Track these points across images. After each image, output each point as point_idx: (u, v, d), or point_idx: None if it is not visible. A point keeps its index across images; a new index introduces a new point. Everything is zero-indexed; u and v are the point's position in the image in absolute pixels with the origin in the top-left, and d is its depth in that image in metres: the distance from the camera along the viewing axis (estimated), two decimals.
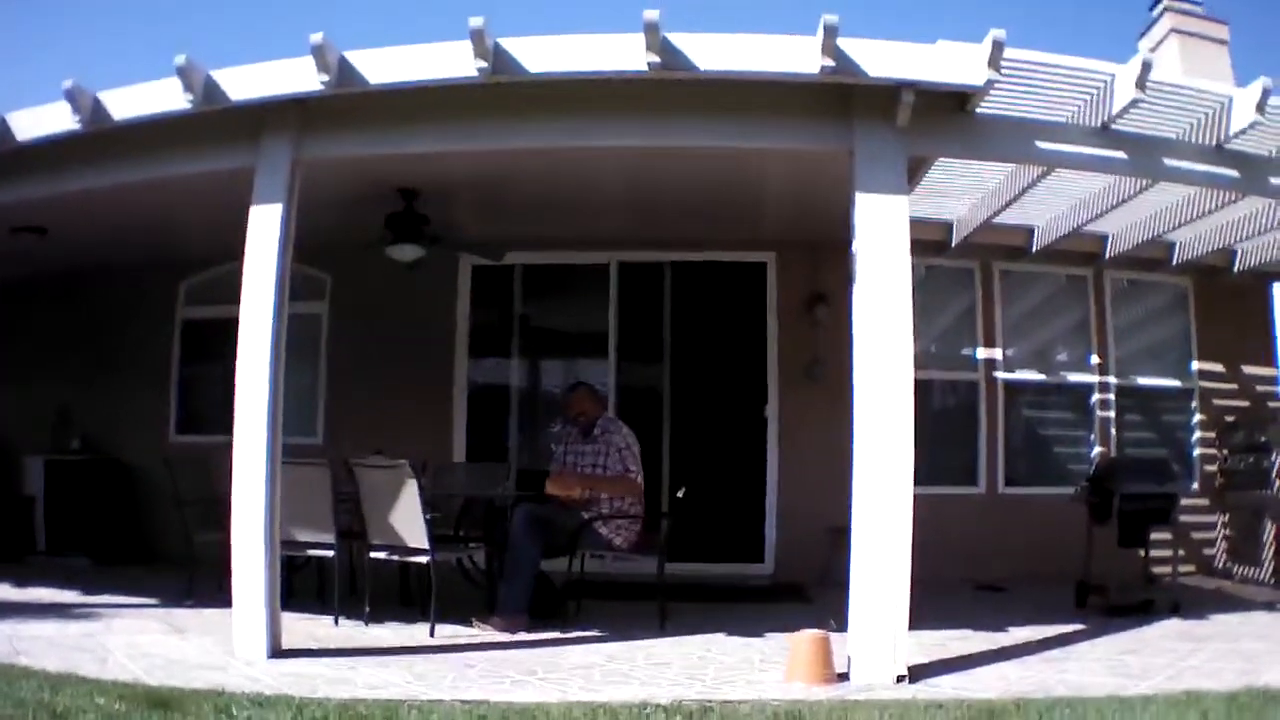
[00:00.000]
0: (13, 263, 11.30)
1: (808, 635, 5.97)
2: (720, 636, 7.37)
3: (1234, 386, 11.55)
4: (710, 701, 5.31)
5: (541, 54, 6.28)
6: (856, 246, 6.35)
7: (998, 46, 5.95)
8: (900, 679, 5.90)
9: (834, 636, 6.07)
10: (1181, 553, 10.07)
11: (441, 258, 10.04)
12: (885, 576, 6.03)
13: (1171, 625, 7.92)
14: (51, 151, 7.44)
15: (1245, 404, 11.45)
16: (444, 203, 9.16)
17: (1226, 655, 6.67)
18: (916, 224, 6.88)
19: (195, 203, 8.74)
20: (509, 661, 6.46)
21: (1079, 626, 7.76)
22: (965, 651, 6.75)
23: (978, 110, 6.56)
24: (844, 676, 5.98)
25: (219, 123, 6.90)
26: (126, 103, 6.96)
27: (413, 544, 7.47)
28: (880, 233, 6.31)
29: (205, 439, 9.85)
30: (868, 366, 6.23)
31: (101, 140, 7.20)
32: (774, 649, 6.70)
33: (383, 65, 6.44)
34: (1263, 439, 10.66)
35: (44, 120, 7.23)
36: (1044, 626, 7.60)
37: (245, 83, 6.66)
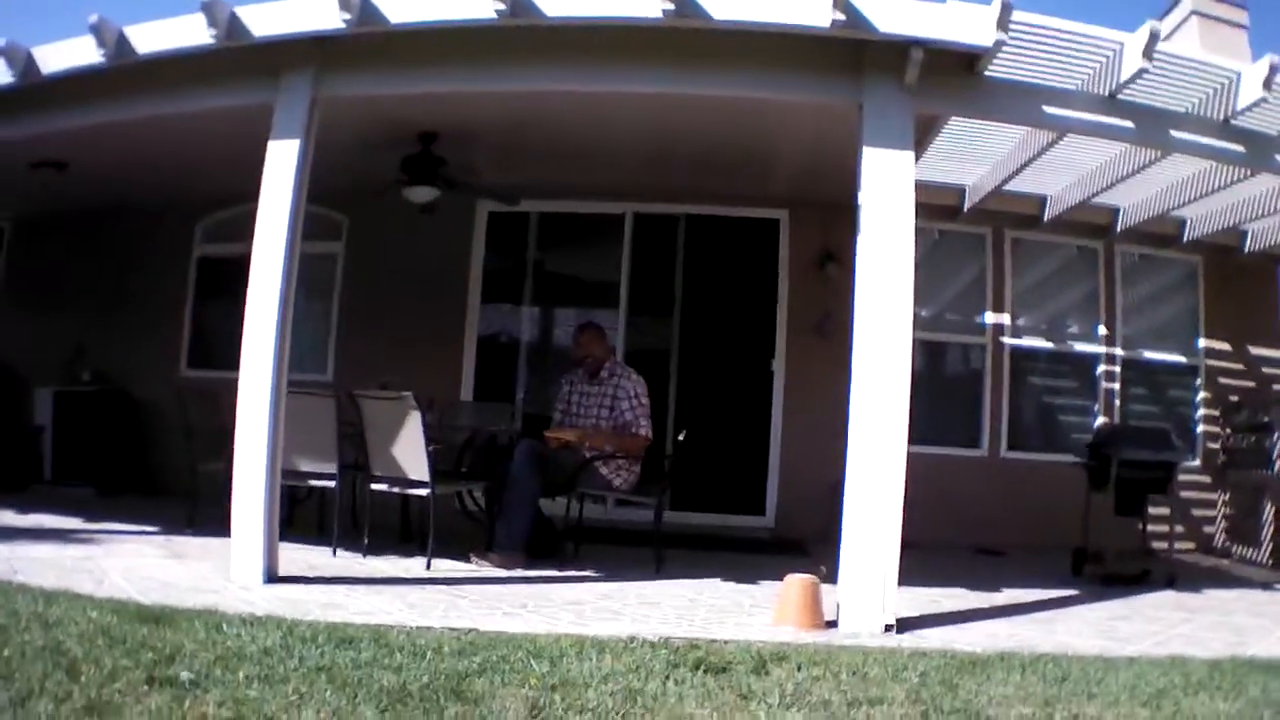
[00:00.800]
0: (33, 199, 11.41)
1: (798, 579, 6.07)
2: (714, 582, 7.47)
3: (1240, 366, 11.54)
4: (697, 640, 5.38)
5: None
6: (862, 198, 6.41)
7: (1006, 8, 5.98)
8: (888, 628, 5.98)
9: (826, 587, 6.16)
10: (1181, 529, 10.13)
11: (458, 203, 10.11)
12: (877, 527, 6.09)
13: (1165, 596, 7.96)
14: (75, 86, 7.54)
15: (1250, 384, 11.46)
16: (462, 147, 9.17)
17: (1217, 627, 6.72)
18: (931, 188, 6.90)
19: (213, 142, 8.83)
20: (502, 595, 6.59)
21: (1073, 591, 7.82)
22: (956, 608, 6.84)
23: (987, 73, 6.60)
24: (832, 624, 6.06)
25: (241, 59, 6.98)
26: (151, 37, 7.04)
27: (413, 476, 7.55)
28: (886, 186, 6.37)
29: (216, 374, 9.86)
30: (869, 314, 6.29)
31: (125, 74, 7.29)
32: (766, 595, 6.78)
33: (403, 5, 6.51)
34: (1265, 419, 10.62)
35: (69, 54, 7.33)
36: (1038, 590, 7.68)
37: (268, 20, 6.74)
